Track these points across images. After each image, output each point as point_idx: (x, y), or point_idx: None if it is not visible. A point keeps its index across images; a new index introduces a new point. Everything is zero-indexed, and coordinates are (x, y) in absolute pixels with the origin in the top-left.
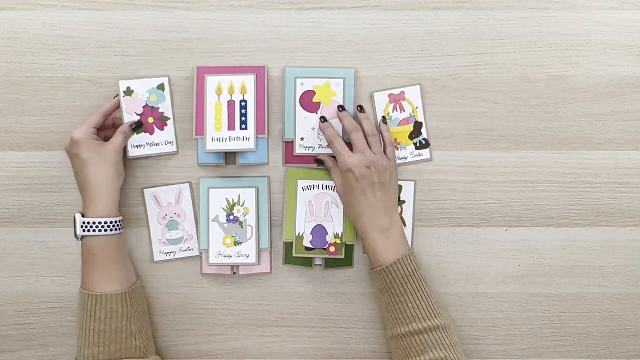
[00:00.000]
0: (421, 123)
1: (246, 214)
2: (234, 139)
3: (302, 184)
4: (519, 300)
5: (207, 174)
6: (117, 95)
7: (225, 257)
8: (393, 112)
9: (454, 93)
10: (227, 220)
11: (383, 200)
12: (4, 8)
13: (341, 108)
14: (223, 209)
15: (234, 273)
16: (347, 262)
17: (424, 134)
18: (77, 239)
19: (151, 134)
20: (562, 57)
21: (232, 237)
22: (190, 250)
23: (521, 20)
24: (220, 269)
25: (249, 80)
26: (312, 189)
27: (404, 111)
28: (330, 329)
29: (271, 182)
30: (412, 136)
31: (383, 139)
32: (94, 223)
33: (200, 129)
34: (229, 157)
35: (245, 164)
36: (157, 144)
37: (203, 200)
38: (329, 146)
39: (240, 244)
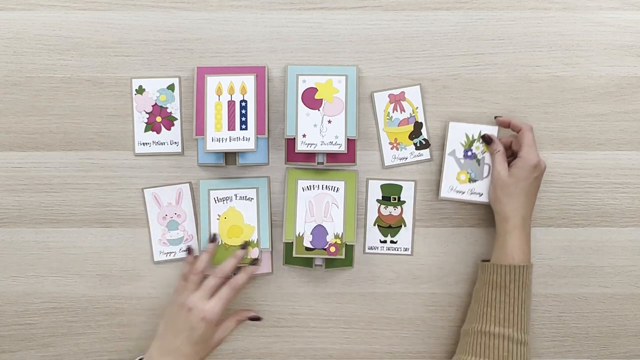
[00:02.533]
0: (421, 123)
1: (484, 152)
2: (234, 139)
3: (302, 184)
4: None
5: (207, 174)
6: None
7: (457, 192)
8: (393, 112)
9: (454, 93)
10: (464, 155)
11: (534, 206)
12: (4, 8)
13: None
14: (461, 143)
15: (235, 274)
16: (347, 262)
17: (424, 134)
18: None
19: (158, 132)
20: (562, 57)
21: (467, 173)
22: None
23: (521, 20)
24: None
25: (249, 80)
26: (312, 189)
27: (404, 111)
28: (330, 329)
29: (271, 182)
30: (412, 136)
31: None
32: None
33: (200, 129)
34: (229, 157)
35: (245, 164)
36: (163, 143)
37: (203, 201)
38: (331, 143)
39: (475, 181)
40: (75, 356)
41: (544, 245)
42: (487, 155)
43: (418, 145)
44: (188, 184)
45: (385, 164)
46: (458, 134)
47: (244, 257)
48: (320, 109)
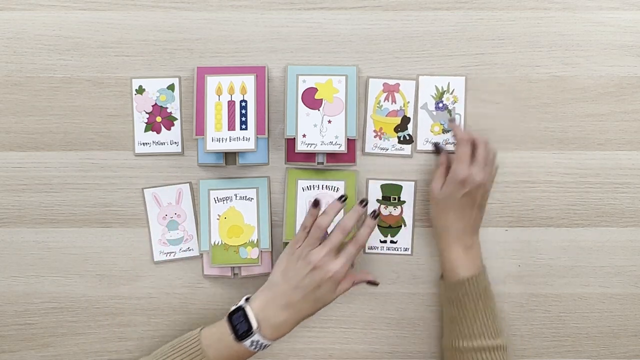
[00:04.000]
0: (409, 118)
1: (455, 102)
2: (234, 139)
3: (302, 184)
4: (519, 300)
5: (207, 174)
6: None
7: (431, 143)
8: (384, 101)
9: None
10: (435, 107)
11: (476, 220)
12: (4, 8)
13: (451, 117)
14: (432, 96)
15: (235, 274)
16: None
17: (410, 130)
18: (236, 339)
19: (158, 132)
20: (562, 57)
21: (440, 124)
22: (190, 250)
23: (521, 20)
24: (221, 271)
25: (249, 80)
26: (312, 189)
27: (395, 103)
28: (330, 329)
29: (271, 182)
30: (397, 129)
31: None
32: (265, 346)
33: (200, 129)
34: (229, 157)
35: (245, 164)
36: (163, 143)
37: (203, 202)
38: (331, 143)
39: (448, 131)
40: (75, 356)
41: (544, 245)
42: (457, 105)
43: (401, 139)
44: (188, 184)
45: (365, 151)
46: (428, 87)
47: (364, 212)
48: (320, 109)
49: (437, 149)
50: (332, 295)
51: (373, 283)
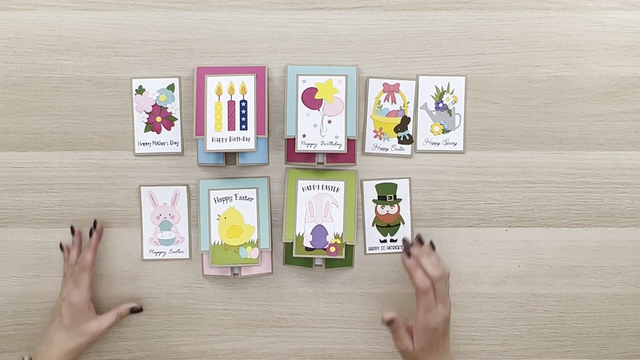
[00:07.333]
0: (409, 118)
1: (455, 102)
2: (234, 139)
3: (302, 184)
4: (519, 300)
5: (207, 174)
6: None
7: (432, 144)
8: (384, 101)
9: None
10: (435, 107)
11: (444, 345)
12: (4, 8)
13: (414, 241)
14: (432, 96)
15: (235, 274)
16: (347, 262)
17: (410, 130)
18: None
19: (158, 132)
20: (562, 57)
21: (440, 124)
22: (180, 252)
23: (521, 20)
24: (221, 271)
25: (249, 80)
26: (312, 189)
27: (395, 103)
28: (330, 329)
29: (271, 182)
30: (397, 129)
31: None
32: None
33: (200, 129)
34: (229, 157)
35: (245, 164)
36: (163, 143)
37: (203, 202)
38: (331, 143)
39: (448, 131)
40: None
41: (544, 245)
42: (457, 105)
43: (401, 139)
44: (185, 187)
45: (365, 151)
46: (428, 87)
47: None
48: (320, 109)
49: (390, 322)
50: (86, 321)
51: (137, 310)
